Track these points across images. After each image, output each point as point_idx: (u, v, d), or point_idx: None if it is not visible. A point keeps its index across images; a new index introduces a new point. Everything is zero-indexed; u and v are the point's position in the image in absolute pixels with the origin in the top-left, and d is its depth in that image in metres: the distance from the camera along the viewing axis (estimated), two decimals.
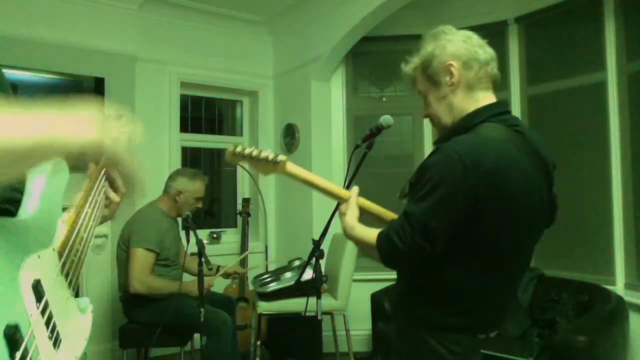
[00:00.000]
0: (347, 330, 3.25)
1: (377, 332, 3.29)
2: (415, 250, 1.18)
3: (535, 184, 1.26)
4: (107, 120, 0.69)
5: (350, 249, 3.23)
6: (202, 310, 2.51)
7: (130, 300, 2.88)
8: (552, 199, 1.35)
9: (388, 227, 1.25)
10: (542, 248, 1.49)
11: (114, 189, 0.97)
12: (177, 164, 4.02)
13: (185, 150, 4.28)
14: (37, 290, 0.64)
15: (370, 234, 1.30)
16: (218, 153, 4.63)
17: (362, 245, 1.38)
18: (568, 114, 3.35)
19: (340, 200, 1.48)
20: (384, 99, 4.24)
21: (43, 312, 0.65)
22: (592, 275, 3.10)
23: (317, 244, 2.18)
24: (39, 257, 0.68)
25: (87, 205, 0.87)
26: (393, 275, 1.45)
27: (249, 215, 4.13)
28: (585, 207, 3.21)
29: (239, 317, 3.52)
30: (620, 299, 2.78)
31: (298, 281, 2.74)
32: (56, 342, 0.68)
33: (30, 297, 0.62)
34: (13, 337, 0.55)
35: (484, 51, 1.32)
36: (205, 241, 2.69)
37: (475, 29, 1.37)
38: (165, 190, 3.05)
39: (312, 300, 2.26)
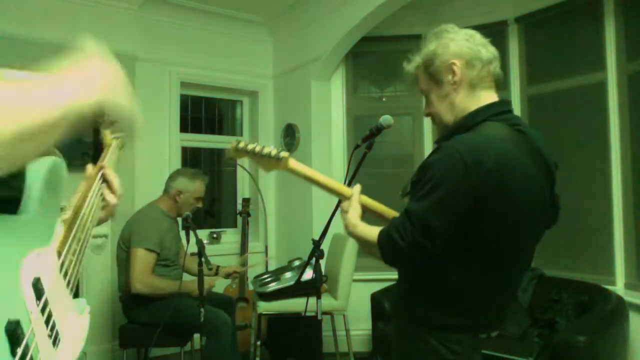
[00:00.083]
0: (347, 330, 3.25)
1: (377, 332, 3.29)
2: (415, 248, 1.18)
3: (536, 184, 1.26)
4: (104, 70, 0.68)
5: (350, 249, 3.23)
6: (202, 310, 2.50)
7: (130, 300, 2.88)
8: (554, 199, 1.34)
9: (389, 225, 1.25)
10: (542, 248, 1.48)
11: (111, 190, 0.97)
12: (177, 164, 4.02)
13: (185, 150, 4.27)
14: (37, 288, 0.64)
15: (372, 231, 1.30)
16: (218, 153, 4.63)
17: (363, 243, 1.37)
18: (568, 114, 3.35)
19: (343, 198, 1.47)
20: (384, 99, 4.24)
21: (43, 310, 0.65)
22: (592, 275, 3.10)
23: (317, 244, 2.18)
24: (38, 255, 0.68)
25: (85, 206, 0.87)
26: (393, 275, 1.45)
27: (249, 215, 4.13)
28: (585, 207, 3.20)
29: (239, 317, 3.52)
30: (620, 299, 2.78)
31: (298, 281, 2.74)
32: (55, 341, 0.68)
33: (30, 294, 0.62)
34: (14, 333, 0.55)
35: (487, 50, 1.31)
36: (205, 241, 2.69)
37: (475, 29, 1.36)
38: (166, 190, 3.05)
39: (312, 300, 2.25)
